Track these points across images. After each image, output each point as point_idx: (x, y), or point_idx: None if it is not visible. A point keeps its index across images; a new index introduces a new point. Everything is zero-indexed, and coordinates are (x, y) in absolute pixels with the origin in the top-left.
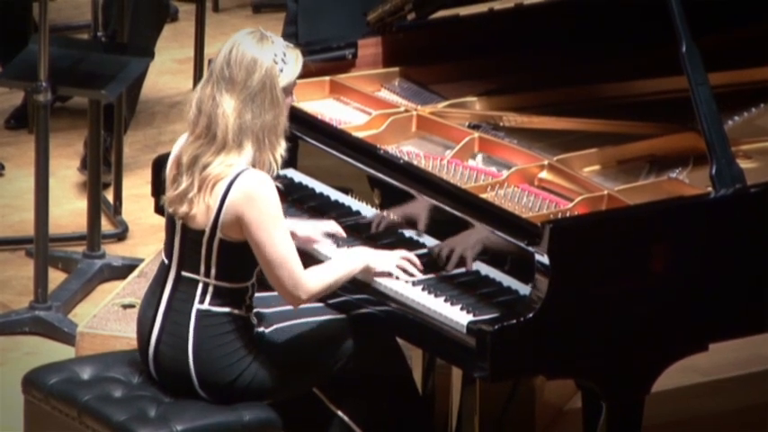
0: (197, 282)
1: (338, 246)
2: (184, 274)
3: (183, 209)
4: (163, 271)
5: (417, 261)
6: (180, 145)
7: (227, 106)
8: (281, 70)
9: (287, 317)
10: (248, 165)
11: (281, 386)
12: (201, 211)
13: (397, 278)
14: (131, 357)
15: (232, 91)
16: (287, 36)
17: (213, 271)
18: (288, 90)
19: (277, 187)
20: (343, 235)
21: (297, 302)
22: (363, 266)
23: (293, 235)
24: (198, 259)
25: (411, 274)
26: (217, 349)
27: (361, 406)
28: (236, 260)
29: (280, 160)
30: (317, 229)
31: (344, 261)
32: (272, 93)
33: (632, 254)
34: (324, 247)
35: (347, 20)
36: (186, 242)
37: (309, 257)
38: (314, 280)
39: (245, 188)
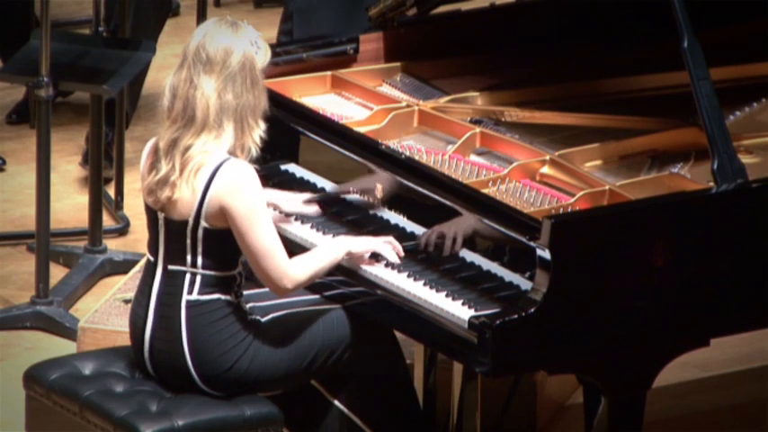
0: (184, 273)
1: (317, 230)
2: (171, 267)
3: (166, 193)
4: (149, 269)
5: (399, 247)
6: (155, 138)
7: (207, 87)
8: (256, 53)
9: (283, 307)
10: (229, 149)
11: (279, 375)
12: (185, 196)
13: (386, 263)
14: (132, 352)
15: (211, 72)
16: (283, 33)
17: (199, 260)
18: (262, 73)
19: (255, 169)
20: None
21: (283, 292)
22: (346, 252)
23: (278, 209)
24: (183, 250)
25: (394, 259)
26: (211, 337)
27: (360, 397)
28: (222, 248)
29: (259, 142)
30: (298, 200)
31: (328, 249)
32: (252, 73)
33: (633, 249)
34: (300, 230)
35: (340, 18)
36: (171, 235)
37: (295, 246)
38: (299, 269)
39: (229, 179)
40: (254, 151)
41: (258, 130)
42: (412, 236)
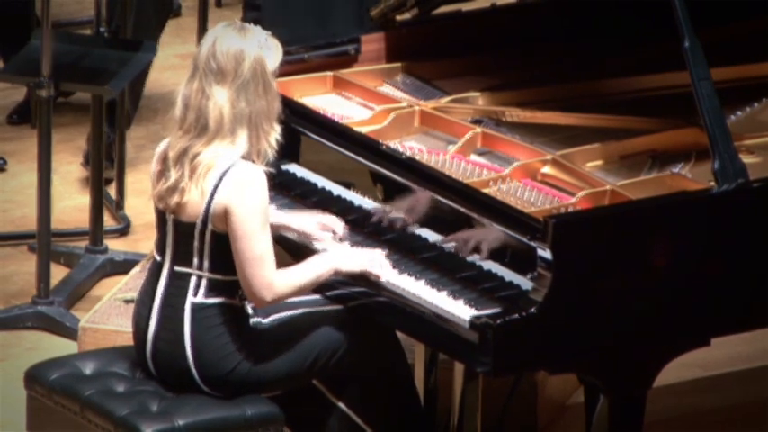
0: (190, 275)
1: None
2: (177, 268)
3: (175, 199)
4: (155, 268)
5: (386, 263)
6: (165, 143)
7: (220, 97)
8: (267, 56)
9: (285, 308)
10: (242, 154)
11: (280, 376)
12: (193, 199)
13: (366, 278)
14: (133, 352)
15: (223, 82)
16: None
17: (206, 263)
18: (273, 75)
19: (268, 173)
20: (340, 231)
21: (261, 303)
22: (331, 270)
23: (288, 228)
24: (191, 252)
25: (382, 276)
26: (214, 340)
27: (362, 397)
28: (229, 252)
29: (276, 145)
30: (313, 221)
31: (313, 266)
32: (264, 78)
33: (634, 249)
34: (322, 243)
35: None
36: (179, 236)
37: (305, 250)
38: (282, 283)
39: (236, 180)
40: (271, 155)
41: (274, 134)
42: (412, 236)
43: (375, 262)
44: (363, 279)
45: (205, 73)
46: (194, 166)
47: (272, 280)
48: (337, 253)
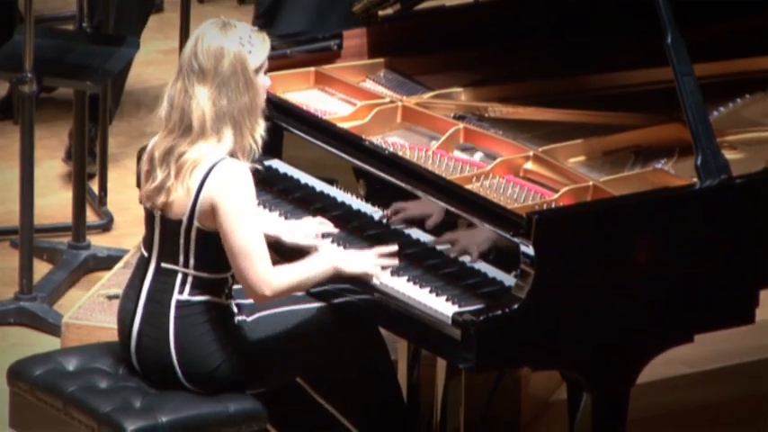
0: (176, 272)
1: (334, 243)
2: (164, 265)
3: (161, 199)
4: (142, 264)
5: (389, 262)
6: (153, 142)
7: (201, 96)
8: (250, 52)
9: (269, 306)
10: (228, 152)
11: (264, 374)
12: (180, 197)
13: (372, 278)
14: (116, 348)
15: (204, 81)
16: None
17: (192, 261)
18: (260, 71)
19: (256, 169)
20: (332, 230)
21: (259, 298)
22: (332, 269)
23: (279, 242)
24: (177, 250)
25: (383, 277)
26: (198, 338)
27: (345, 394)
28: (214, 250)
29: (260, 141)
30: (306, 233)
31: (313, 263)
32: (245, 75)
33: (617, 245)
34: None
35: (306, 18)
36: (165, 233)
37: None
38: (280, 278)
39: (222, 177)
40: (256, 151)
41: (259, 129)
42: (395, 232)
43: (378, 266)
44: (355, 279)
45: (188, 73)
46: (180, 166)
47: (269, 275)
48: (338, 253)
